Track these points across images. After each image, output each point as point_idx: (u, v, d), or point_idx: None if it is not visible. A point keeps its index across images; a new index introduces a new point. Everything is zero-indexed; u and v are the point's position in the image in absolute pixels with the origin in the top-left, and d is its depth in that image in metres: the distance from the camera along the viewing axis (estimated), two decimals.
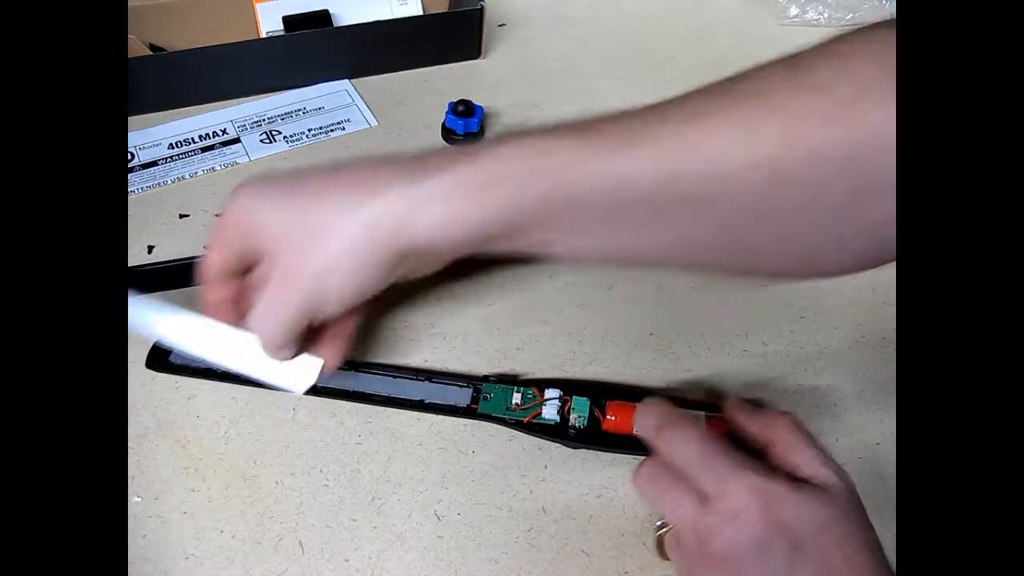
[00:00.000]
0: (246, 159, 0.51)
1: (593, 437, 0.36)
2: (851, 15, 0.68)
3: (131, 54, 0.52)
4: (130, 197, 0.48)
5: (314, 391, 0.38)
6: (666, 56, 0.64)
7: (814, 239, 0.27)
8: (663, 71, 0.62)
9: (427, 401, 0.38)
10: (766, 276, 0.32)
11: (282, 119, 0.55)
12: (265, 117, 0.55)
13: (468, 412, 0.38)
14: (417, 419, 0.38)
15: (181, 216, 0.47)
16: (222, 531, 0.33)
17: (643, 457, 0.31)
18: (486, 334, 0.42)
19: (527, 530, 0.34)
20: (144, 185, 0.49)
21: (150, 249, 0.45)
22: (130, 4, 0.53)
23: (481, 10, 0.58)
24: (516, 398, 0.37)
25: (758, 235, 0.27)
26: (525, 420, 0.37)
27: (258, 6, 0.56)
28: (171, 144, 0.52)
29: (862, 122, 0.24)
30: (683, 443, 0.29)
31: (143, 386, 0.38)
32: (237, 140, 0.53)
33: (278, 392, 0.38)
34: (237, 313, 0.33)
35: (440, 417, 0.38)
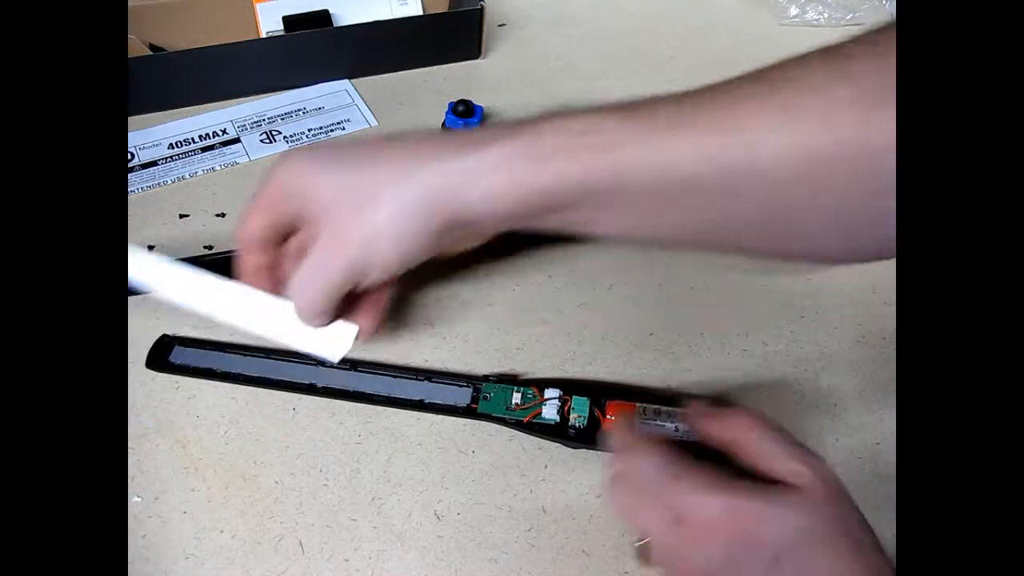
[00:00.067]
0: (246, 159, 0.51)
1: (593, 437, 0.36)
2: (851, 15, 0.68)
3: (131, 54, 0.52)
4: (130, 197, 0.48)
5: (313, 390, 0.38)
6: (666, 56, 0.64)
7: (853, 223, 0.27)
8: (663, 71, 0.62)
9: (427, 401, 0.38)
10: (805, 260, 0.32)
11: (282, 119, 0.55)
12: (265, 117, 0.55)
13: (468, 412, 0.38)
14: (417, 419, 0.38)
15: (181, 216, 0.47)
16: (222, 531, 0.33)
17: None
18: (486, 334, 0.42)
19: (527, 530, 0.34)
20: (144, 185, 0.49)
21: (150, 249, 0.45)
22: (130, 4, 0.53)
23: (481, 10, 0.58)
24: (516, 398, 0.37)
25: (798, 219, 0.27)
26: (525, 420, 0.37)
27: (258, 6, 0.56)
28: (171, 144, 0.52)
29: None
30: (645, 468, 0.28)
31: (143, 386, 0.38)
32: (237, 140, 0.53)
33: (278, 392, 0.38)
34: (273, 280, 0.33)
35: (440, 417, 0.38)
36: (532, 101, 0.58)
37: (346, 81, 0.58)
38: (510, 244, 0.46)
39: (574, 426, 0.36)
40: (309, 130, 0.54)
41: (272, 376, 0.39)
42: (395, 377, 0.39)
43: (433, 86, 0.59)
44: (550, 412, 0.37)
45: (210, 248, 0.45)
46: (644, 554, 0.30)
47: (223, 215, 0.47)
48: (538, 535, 0.34)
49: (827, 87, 0.25)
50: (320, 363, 0.39)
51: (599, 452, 0.36)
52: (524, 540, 0.34)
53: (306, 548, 0.33)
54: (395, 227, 0.29)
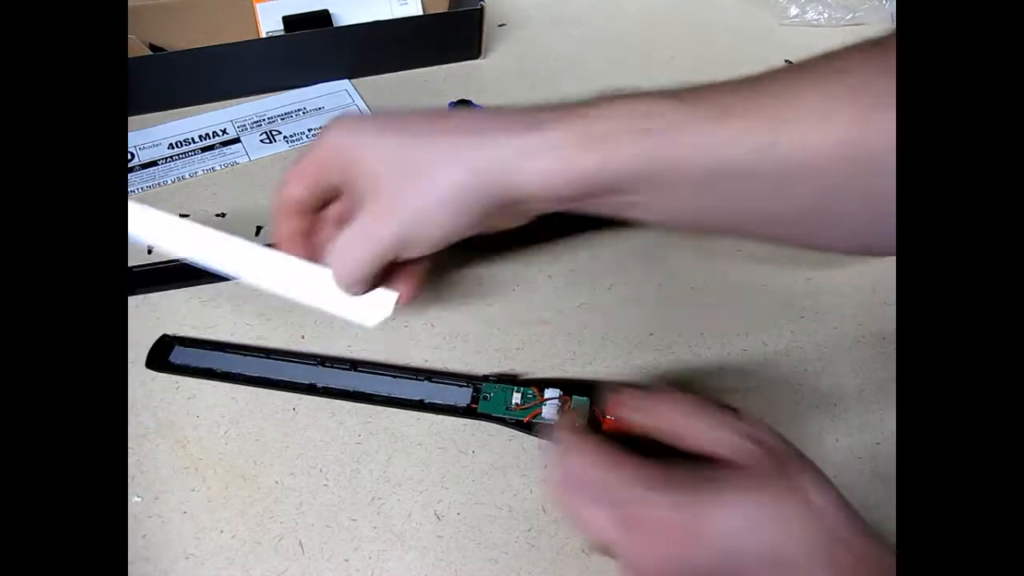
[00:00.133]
0: (246, 159, 0.51)
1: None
2: (851, 15, 0.68)
3: (131, 54, 0.52)
4: (130, 197, 0.48)
5: (313, 390, 0.38)
6: (666, 56, 0.64)
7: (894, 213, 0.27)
8: (663, 71, 0.62)
9: (427, 401, 0.38)
10: (849, 251, 0.31)
11: (282, 119, 0.55)
12: (265, 117, 0.55)
13: (468, 412, 0.38)
14: (417, 419, 0.38)
15: (181, 216, 0.47)
16: (222, 531, 0.33)
17: None
18: (486, 334, 0.42)
19: (527, 530, 0.34)
20: (144, 185, 0.49)
21: (150, 249, 0.45)
22: (130, 4, 0.53)
23: (481, 10, 0.58)
24: (516, 398, 0.37)
25: (844, 210, 0.27)
26: (525, 420, 0.37)
27: (258, 6, 0.56)
28: (171, 144, 0.52)
29: None
30: (589, 466, 0.27)
31: (143, 386, 0.38)
32: (237, 140, 0.53)
33: (278, 392, 0.38)
34: (308, 247, 0.33)
35: (440, 417, 0.38)
36: (532, 101, 0.58)
37: (346, 81, 0.58)
38: (510, 244, 0.46)
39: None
40: (309, 130, 0.54)
41: (272, 376, 0.39)
42: (395, 377, 0.39)
43: (433, 86, 0.59)
44: (550, 412, 0.37)
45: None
46: (599, 549, 0.29)
47: (223, 215, 0.47)
48: (538, 535, 0.34)
49: (867, 80, 0.26)
50: (320, 362, 0.39)
51: None
52: (524, 540, 0.34)
53: (306, 548, 0.33)
54: (445, 203, 0.29)
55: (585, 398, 0.37)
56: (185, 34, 0.55)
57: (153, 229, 0.35)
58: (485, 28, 0.60)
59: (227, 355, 0.39)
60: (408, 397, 0.38)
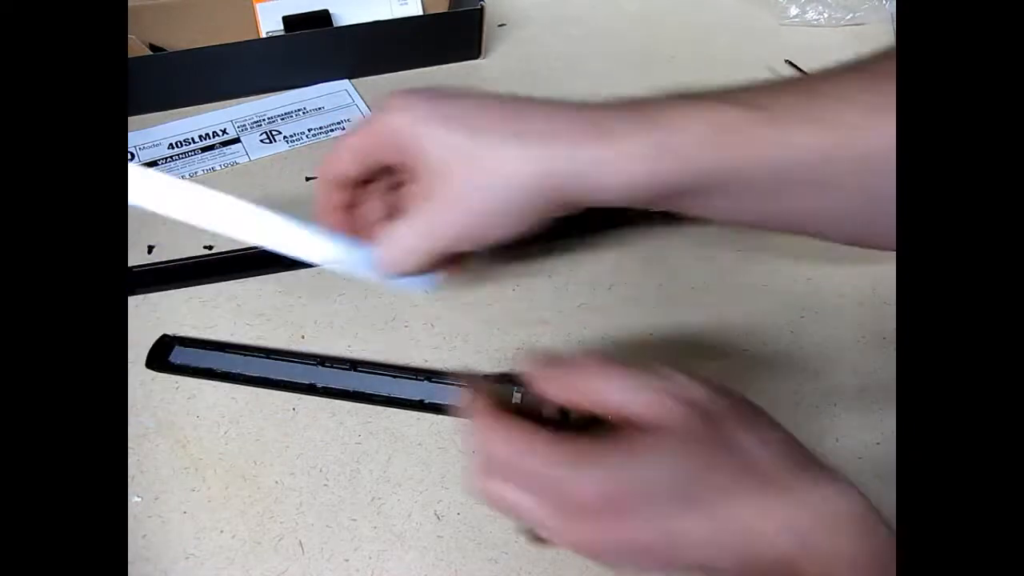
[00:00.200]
0: (246, 159, 0.51)
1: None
2: (851, 15, 0.68)
3: (131, 54, 0.52)
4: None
5: (313, 390, 0.38)
6: (666, 56, 0.64)
7: None
8: (663, 71, 0.62)
9: (427, 401, 0.38)
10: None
11: (282, 119, 0.55)
12: (265, 117, 0.55)
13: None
14: (417, 419, 0.38)
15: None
16: (222, 531, 0.33)
17: None
18: (486, 334, 0.42)
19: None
20: None
21: (150, 249, 0.45)
22: (130, 4, 0.53)
23: (481, 10, 0.58)
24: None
25: (893, 210, 0.28)
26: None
27: (258, 6, 0.56)
28: (171, 144, 0.52)
29: None
30: (509, 449, 0.25)
31: (143, 386, 0.38)
32: (237, 140, 0.53)
33: (278, 392, 0.38)
34: (348, 222, 0.33)
35: (440, 417, 0.38)
36: None
37: (346, 81, 0.58)
38: (510, 245, 0.46)
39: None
40: (309, 130, 0.54)
41: (272, 376, 0.39)
42: (395, 377, 0.39)
43: (433, 86, 0.59)
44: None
45: (210, 248, 0.45)
46: (532, 536, 0.28)
47: None
48: None
49: None
50: (320, 362, 0.39)
51: None
52: (524, 540, 0.34)
53: (306, 548, 0.33)
54: (512, 204, 0.28)
55: None
56: (185, 34, 0.55)
57: (159, 194, 0.33)
58: (485, 28, 0.60)
59: (227, 355, 0.39)
60: (408, 397, 0.38)
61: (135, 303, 0.42)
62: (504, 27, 0.66)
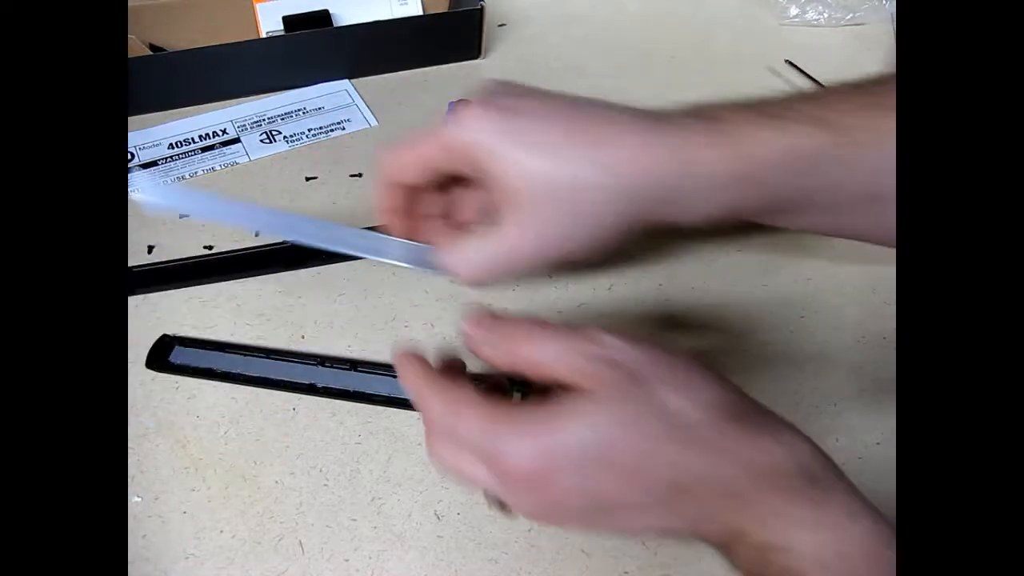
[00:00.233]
0: (246, 159, 0.51)
1: None
2: (851, 15, 0.68)
3: (131, 54, 0.52)
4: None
5: (313, 390, 0.38)
6: (666, 56, 0.64)
7: None
8: (663, 71, 0.62)
9: None
10: None
11: (282, 119, 0.55)
12: (265, 117, 0.55)
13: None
14: (417, 419, 0.38)
15: (181, 216, 0.47)
16: (222, 531, 0.33)
17: None
18: None
19: (527, 530, 0.34)
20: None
21: (150, 249, 0.45)
22: (130, 4, 0.53)
23: (481, 10, 0.58)
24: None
25: None
26: None
27: (258, 6, 0.56)
28: (171, 144, 0.52)
29: None
30: (452, 417, 0.25)
31: (143, 386, 0.38)
32: (237, 140, 0.53)
33: (278, 392, 0.38)
34: (406, 226, 0.32)
35: None
36: None
37: (346, 81, 0.58)
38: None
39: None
40: (309, 130, 0.54)
41: (272, 376, 0.39)
42: (395, 377, 0.39)
43: (433, 86, 0.59)
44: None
45: (210, 248, 0.45)
46: (494, 502, 0.28)
47: None
48: (538, 535, 0.34)
49: None
50: (320, 362, 0.39)
51: None
52: (524, 540, 0.34)
53: (306, 548, 0.33)
54: (591, 232, 0.28)
55: None
56: (185, 34, 0.55)
57: (219, 213, 0.33)
58: (485, 28, 0.60)
59: (227, 355, 0.39)
60: (408, 397, 0.38)
61: (135, 303, 0.42)
62: (504, 27, 0.66)
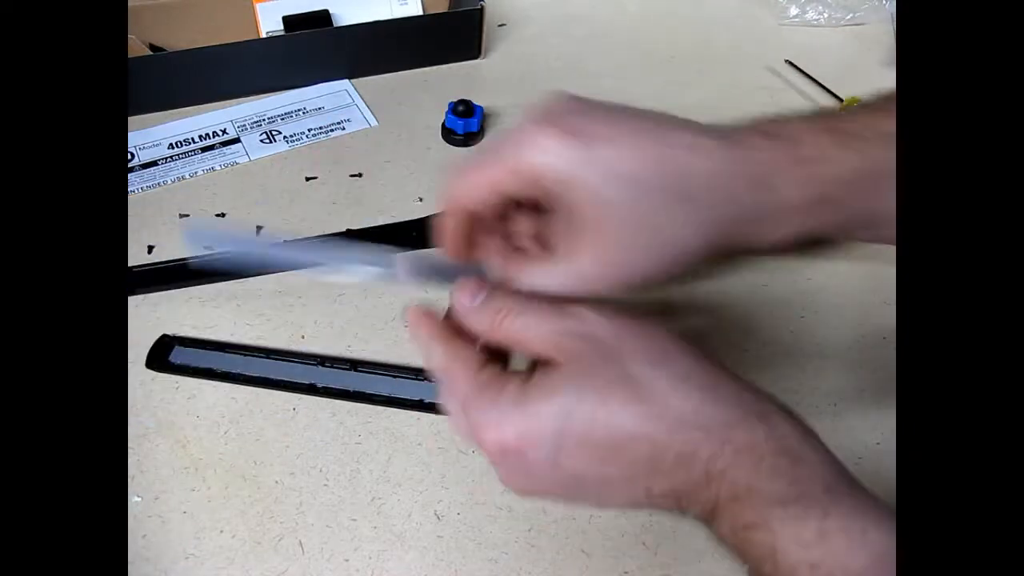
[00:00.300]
0: (246, 159, 0.51)
1: None
2: (851, 15, 0.68)
3: (131, 54, 0.52)
4: (130, 197, 0.48)
5: (313, 390, 0.38)
6: (666, 56, 0.64)
7: None
8: (663, 71, 0.62)
9: (427, 401, 0.38)
10: None
11: (282, 119, 0.55)
12: (265, 117, 0.55)
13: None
14: (417, 419, 0.38)
15: (181, 216, 0.47)
16: (222, 531, 0.33)
17: None
18: None
19: (527, 530, 0.34)
20: (144, 185, 0.49)
21: (150, 249, 0.45)
22: (130, 4, 0.53)
23: (481, 10, 0.58)
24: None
25: None
26: None
27: (258, 6, 0.56)
28: (171, 144, 0.52)
29: None
30: (454, 388, 0.26)
31: (143, 386, 0.38)
32: (237, 140, 0.53)
33: (278, 392, 0.38)
34: (466, 252, 0.31)
35: (440, 417, 0.38)
36: (532, 101, 0.58)
37: (346, 81, 0.58)
38: None
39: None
40: (309, 130, 0.54)
41: (272, 376, 0.39)
42: (395, 377, 0.39)
43: (433, 86, 0.59)
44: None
45: (210, 248, 0.45)
46: None
47: (223, 215, 0.47)
48: (538, 535, 0.34)
49: None
50: (320, 362, 0.39)
51: None
52: (524, 540, 0.34)
53: (306, 548, 0.33)
54: (669, 261, 0.27)
55: None
56: (185, 34, 0.55)
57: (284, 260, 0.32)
58: (485, 28, 0.60)
59: (227, 355, 0.39)
60: (408, 397, 0.38)
61: (135, 303, 0.42)
62: (504, 27, 0.66)
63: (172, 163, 0.51)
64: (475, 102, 0.53)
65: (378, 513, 0.34)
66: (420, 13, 0.60)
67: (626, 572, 0.33)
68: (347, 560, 0.33)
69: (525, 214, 0.31)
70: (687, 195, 0.27)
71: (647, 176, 0.26)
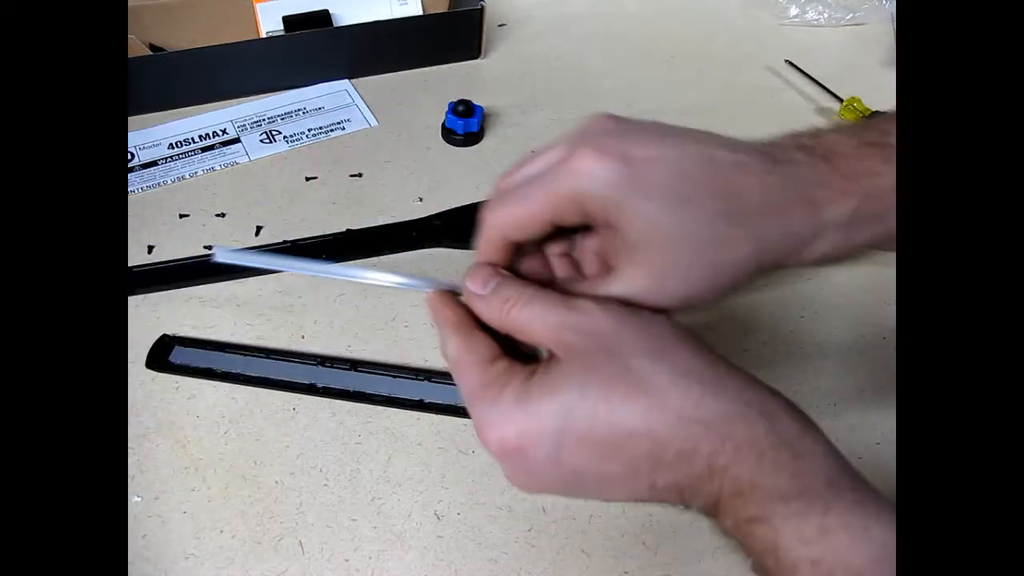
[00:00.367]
0: (246, 159, 0.51)
1: None
2: (851, 15, 0.68)
3: (131, 54, 0.52)
4: (130, 197, 0.48)
5: (313, 390, 0.38)
6: (666, 56, 0.64)
7: None
8: (663, 71, 0.62)
9: (427, 401, 0.38)
10: None
11: (282, 119, 0.55)
12: (265, 117, 0.55)
13: (468, 412, 0.37)
14: (417, 419, 0.38)
15: (181, 216, 0.47)
16: (222, 531, 0.33)
17: None
18: None
19: (527, 530, 0.34)
20: (144, 185, 0.49)
21: (150, 249, 0.45)
22: (130, 4, 0.53)
23: (481, 10, 0.58)
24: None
25: None
26: None
27: (258, 6, 0.56)
28: (171, 144, 0.52)
29: None
30: (450, 360, 0.27)
31: (143, 386, 0.38)
32: (237, 140, 0.53)
33: (278, 392, 0.38)
34: (506, 269, 0.30)
35: (440, 417, 0.38)
36: (532, 101, 0.58)
37: (346, 81, 0.58)
38: None
39: None
40: (309, 130, 0.54)
41: (272, 376, 0.39)
42: (395, 377, 0.39)
43: (433, 86, 0.59)
44: None
45: (210, 248, 0.45)
46: None
47: (223, 215, 0.47)
48: (538, 535, 0.34)
49: None
50: (320, 362, 0.39)
51: None
52: (524, 540, 0.34)
53: (306, 548, 0.33)
54: (719, 280, 0.27)
55: None
56: (185, 34, 0.55)
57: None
58: (485, 28, 0.60)
59: (227, 355, 0.39)
60: (408, 397, 0.38)
61: (135, 303, 0.42)
62: (504, 27, 0.66)
63: (172, 163, 0.51)
64: (475, 102, 0.53)
65: (378, 513, 0.34)
66: (420, 13, 0.60)
67: (626, 572, 0.33)
68: (347, 560, 0.33)
69: (564, 235, 0.30)
70: (738, 215, 0.26)
71: (698, 198, 0.26)
